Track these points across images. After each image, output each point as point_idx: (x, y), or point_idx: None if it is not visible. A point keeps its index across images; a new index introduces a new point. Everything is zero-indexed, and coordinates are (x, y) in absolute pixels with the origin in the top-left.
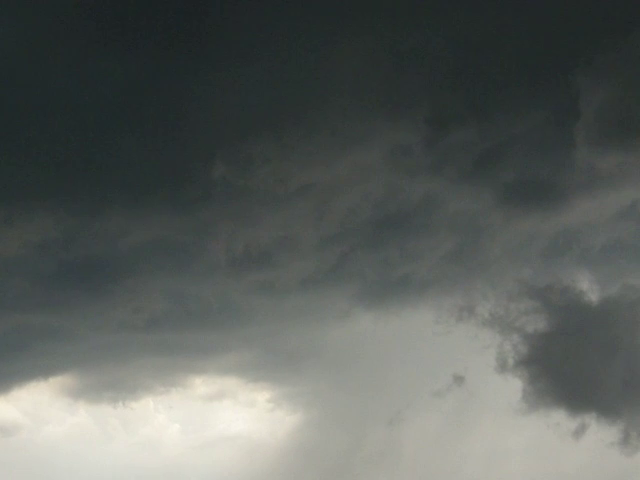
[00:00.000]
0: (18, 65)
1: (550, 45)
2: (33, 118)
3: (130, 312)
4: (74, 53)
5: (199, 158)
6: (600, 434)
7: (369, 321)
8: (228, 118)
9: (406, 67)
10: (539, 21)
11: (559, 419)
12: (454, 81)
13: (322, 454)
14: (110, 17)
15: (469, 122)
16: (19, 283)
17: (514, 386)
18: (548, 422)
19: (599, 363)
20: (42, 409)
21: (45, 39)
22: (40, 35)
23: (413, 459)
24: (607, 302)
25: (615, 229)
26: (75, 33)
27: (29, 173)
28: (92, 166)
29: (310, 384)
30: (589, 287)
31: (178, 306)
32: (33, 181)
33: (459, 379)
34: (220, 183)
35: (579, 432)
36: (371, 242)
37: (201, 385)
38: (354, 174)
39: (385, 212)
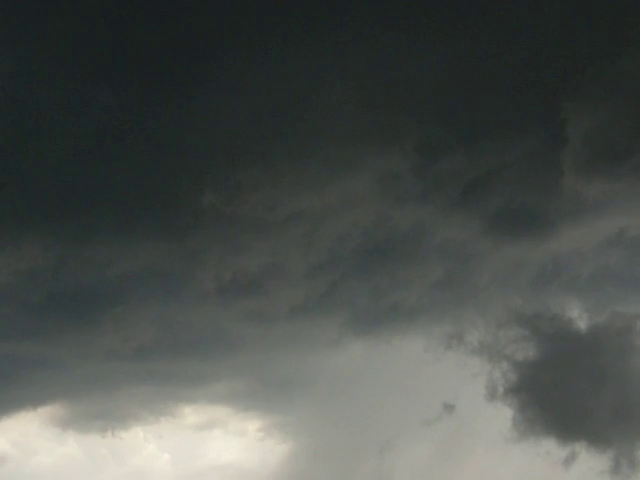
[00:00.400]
0: (6, 92)
1: (537, 73)
2: (21, 145)
3: (119, 341)
4: (63, 80)
5: (188, 185)
6: (590, 462)
7: (359, 349)
8: (217, 145)
9: (396, 95)
10: (526, 49)
11: (549, 447)
12: (443, 109)
13: None
14: (101, 44)
15: (458, 150)
16: (7, 312)
17: (504, 414)
18: (538, 451)
19: (588, 391)
20: (31, 439)
21: (34, 67)
22: (29, 63)
23: None
24: (596, 330)
25: (603, 256)
26: (65, 60)
27: (17, 200)
28: (81, 193)
29: (300, 413)
30: (578, 315)
31: (167, 335)
32: (21, 208)
33: (449, 407)
34: (209, 210)
35: (569, 460)
36: (361, 270)
37: (191, 414)
38: (343, 201)
39: (374, 240)
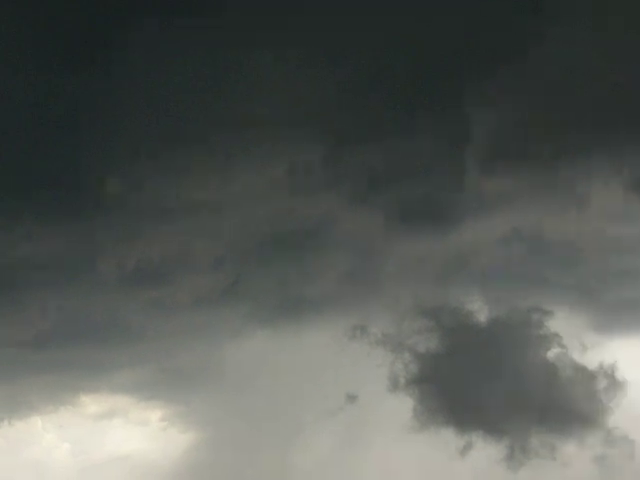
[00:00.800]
0: None
1: (442, 70)
2: None
3: (15, 327)
4: None
5: (90, 170)
6: (487, 451)
7: (264, 340)
8: (122, 132)
9: (307, 85)
10: (431, 46)
11: (448, 437)
12: (354, 101)
13: (215, 474)
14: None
15: (366, 142)
16: None
17: (406, 405)
18: (437, 440)
19: (486, 382)
20: None
21: None
22: None
23: (306, 479)
24: (495, 323)
25: (501, 252)
26: None
27: None
28: None
29: (204, 403)
30: (478, 308)
31: (67, 322)
32: None
33: (352, 398)
34: (111, 196)
35: (466, 449)
36: (267, 261)
37: (92, 403)
38: (250, 191)
39: (281, 230)
